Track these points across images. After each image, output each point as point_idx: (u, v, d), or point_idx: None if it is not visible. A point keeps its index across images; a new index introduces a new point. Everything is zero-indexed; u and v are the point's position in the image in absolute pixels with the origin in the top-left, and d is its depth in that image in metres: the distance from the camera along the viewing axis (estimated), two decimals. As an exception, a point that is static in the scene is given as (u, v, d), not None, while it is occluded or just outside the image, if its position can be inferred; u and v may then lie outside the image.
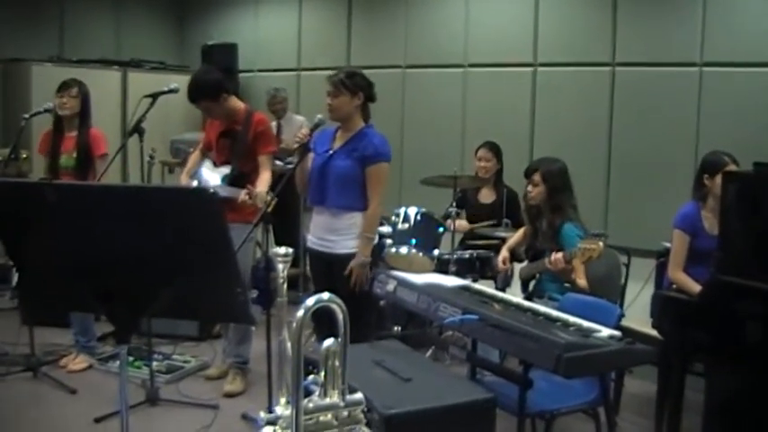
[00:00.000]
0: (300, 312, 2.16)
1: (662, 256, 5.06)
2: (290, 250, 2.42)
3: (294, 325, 2.11)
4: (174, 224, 1.86)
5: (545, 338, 3.07)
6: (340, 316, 2.25)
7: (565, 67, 6.50)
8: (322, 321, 2.54)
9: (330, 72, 4.53)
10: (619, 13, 6.22)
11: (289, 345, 2.30)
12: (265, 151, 5.01)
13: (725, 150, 4.68)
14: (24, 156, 6.87)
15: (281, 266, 2.38)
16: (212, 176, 5.05)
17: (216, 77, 5.02)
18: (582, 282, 4.49)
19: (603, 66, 6.28)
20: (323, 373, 2.38)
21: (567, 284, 4.59)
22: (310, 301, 2.20)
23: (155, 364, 5.15)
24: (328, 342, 2.35)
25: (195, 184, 5.04)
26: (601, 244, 4.16)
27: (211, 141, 5.20)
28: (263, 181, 4.86)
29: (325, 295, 2.22)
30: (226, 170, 5.02)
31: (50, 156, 5.38)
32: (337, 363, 2.37)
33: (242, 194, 4.58)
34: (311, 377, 2.47)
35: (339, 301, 2.23)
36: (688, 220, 4.65)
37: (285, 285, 2.52)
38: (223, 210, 1.95)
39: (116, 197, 1.93)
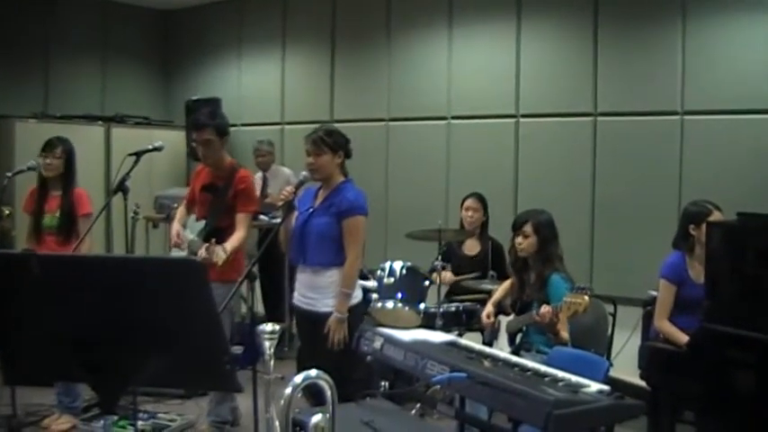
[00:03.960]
0: (288, 390, 2.13)
1: (648, 305, 5.05)
2: (277, 327, 2.36)
3: (282, 402, 2.08)
4: (161, 294, 1.84)
5: (534, 395, 3.04)
6: (328, 392, 2.22)
7: (547, 118, 6.55)
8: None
9: (309, 131, 4.53)
10: (600, 63, 6.27)
11: (277, 424, 2.25)
12: (244, 210, 4.95)
13: (707, 198, 4.72)
14: (7, 213, 6.81)
15: (267, 344, 2.32)
16: (192, 230, 5.02)
17: (229, 123, 5.21)
18: (564, 334, 4.47)
19: (585, 116, 6.32)
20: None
21: (551, 336, 4.57)
22: (298, 379, 2.17)
23: (140, 423, 5.05)
24: (316, 418, 2.31)
25: (188, 233, 5.00)
26: (587, 298, 4.13)
27: (195, 193, 5.15)
28: (235, 239, 4.79)
29: (313, 372, 2.19)
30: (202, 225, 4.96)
31: (35, 215, 5.32)
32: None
33: (201, 250, 4.54)
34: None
35: (327, 377, 2.20)
36: (674, 269, 4.66)
37: (272, 362, 2.44)
38: (208, 279, 1.94)
39: (102, 269, 1.91)
